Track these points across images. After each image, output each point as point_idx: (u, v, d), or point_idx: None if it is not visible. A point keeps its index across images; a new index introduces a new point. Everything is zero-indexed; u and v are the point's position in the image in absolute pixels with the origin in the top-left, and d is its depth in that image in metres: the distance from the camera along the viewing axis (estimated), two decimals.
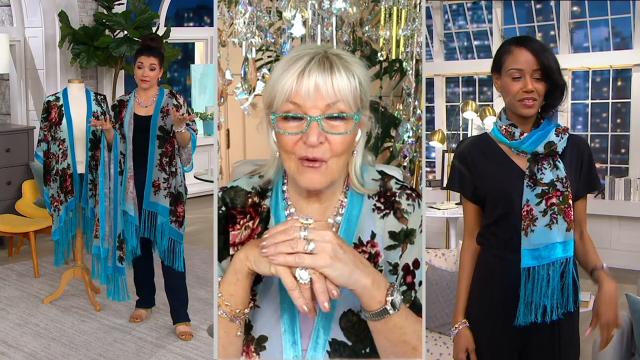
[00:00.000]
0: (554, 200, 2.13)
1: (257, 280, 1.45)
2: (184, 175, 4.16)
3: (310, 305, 1.25)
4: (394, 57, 2.86)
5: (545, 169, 2.15)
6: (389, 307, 1.29)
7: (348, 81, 1.36)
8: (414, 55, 2.81)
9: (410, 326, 1.33)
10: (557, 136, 2.16)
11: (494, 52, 6.69)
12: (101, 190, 4.06)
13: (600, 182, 2.29)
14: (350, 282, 1.26)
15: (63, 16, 6.42)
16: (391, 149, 3.73)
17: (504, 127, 2.21)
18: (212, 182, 4.99)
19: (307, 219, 1.26)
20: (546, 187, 2.14)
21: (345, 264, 1.25)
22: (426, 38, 6.72)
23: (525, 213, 2.15)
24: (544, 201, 2.14)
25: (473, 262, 2.32)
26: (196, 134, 4.06)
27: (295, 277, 1.24)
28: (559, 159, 2.16)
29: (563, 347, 2.23)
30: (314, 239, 1.24)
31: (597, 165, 2.40)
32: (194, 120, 4.07)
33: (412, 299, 1.44)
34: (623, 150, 6.34)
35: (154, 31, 6.66)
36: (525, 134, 2.18)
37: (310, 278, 1.24)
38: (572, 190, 2.15)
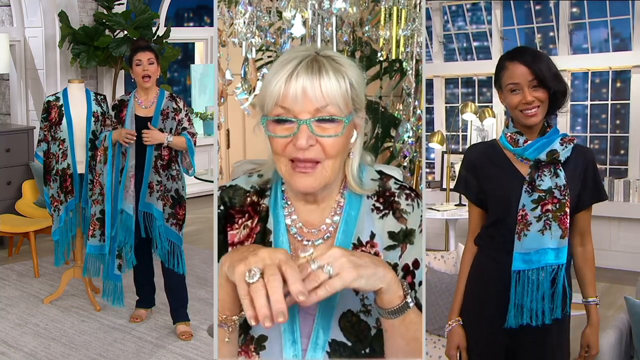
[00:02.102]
0: (549, 206, 2.18)
1: None
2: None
3: (265, 311, 1.13)
4: (394, 57, 2.87)
5: (545, 176, 2.19)
6: (409, 299, 1.30)
7: (337, 84, 1.35)
8: (414, 56, 2.81)
9: (421, 322, 1.34)
10: (562, 145, 2.20)
11: (493, 54, 6.73)
12: (107, 190, 4.03)
13: (605, 193, 2.35)
14: (377, 281, 1.25)
15: (63, 16, 6.42)
16: (391, 149, 3.73)
17: (509, 134, 2.26)
18: (212, 182, 4.99)
19: (306, 254, 1.23)
20: (543, 194, 2.18)
21: (367, 267, 1.24)
22: (425, 39, 6.72)
23: (520, 217, 2.20)
24: (539, 207, 2.18)
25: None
26: (194, 137, 4.05)
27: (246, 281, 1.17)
28: (560, 167, 2.20)
29: (551, 351, 2.27)
30: (327, 262, 1.21)
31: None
32: (191, 123, 4.07)
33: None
34: (622, 152, 6.35)
35: (154, 31, 6.69)
36: (529, 142, 2.22)
37: (261, 274, 1.16)
38: (571, 198, 2.19)
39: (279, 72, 1.36)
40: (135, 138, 3.96)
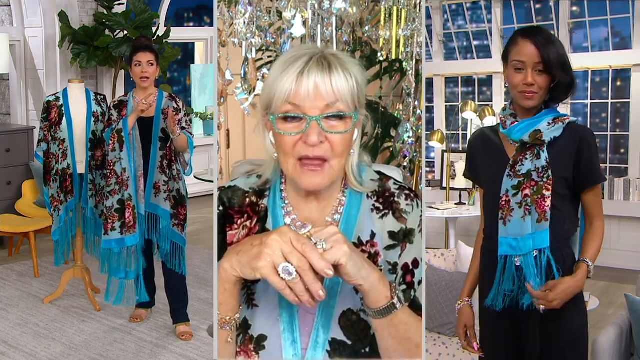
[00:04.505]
0: (527, 191, 2.14)
1: (256, 279, 1.45)
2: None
3: (306, 297, 1.22)
4: (394, 57, 2.86)
5: (526, 159, 2.16)
6: (396, 301, 1.30)
7: (346, 80, 1.37)
8: (414, 56, 2.81)
9: (414, 323, 1.34)
10: (549, 125, 2.14)
11: (493, 52, 6.74)
12: (133, 174, 3.95)
13: (601, 175, 2.19)
14: (361, 275, 1.26)
15: (63, 16, 6.42)
16: (391, 149, 3.72)
17: (501, 117, 2.24)
18: (212, 182, 4.99)
19: (304, 228, 1.27)
20: (522, 178, 2.15)
21: (358, 255, 1.27)
22: (426, 38, 6.72)
23: (503, 203, 2.17)
24: (520, 193, 2.15)
25: None
26: (193, 137, 4.05)
27: (281, 277, 1.22)
28: (544, 149, 2.14)
29: (553, 336, 2.21)
30: (323, 238, 1.24)
31: None
32: (190, 124, 4.07)
33: (412, 298, 1.44)
34: (622, 150, 6.35)
35: (154, 31, 6.68)
36: (515, 123, 2.18)
37: (297, 272, 1.22)
38: (554, 180, 2.12)
39: (288, 69, 1.36)
40: (148, 106, 3.95)
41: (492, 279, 2.25)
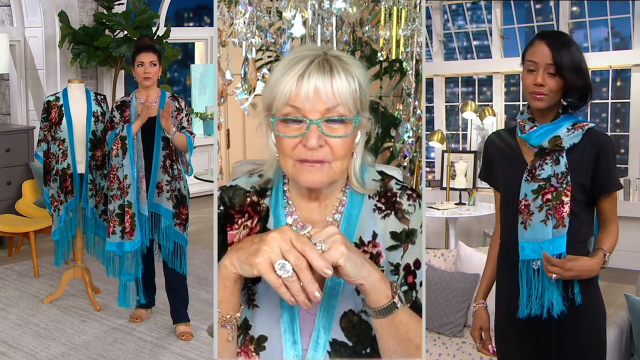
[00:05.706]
0: (549, 196, 2.14)
1: (256, 280, 1.45)
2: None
3: (302, 297, 1.22)
4: (394, 57, 2.86)
5: (547, 164, 2.15)
6: (396, 300, 1.30)
7: (347, 84, 1.36)
8: (414, 55, 2.81)
9: (414, 323, 1.34)
10: (568, 131, 2.14)
11: (493, 53, 6.74)
12: (134, 181, 3.96)
13: (618, 182, 2.20)
14: (362, 274, 1.26)
15: (63, 16, 6.42)
16: (391, 149, 3.72)
17: (519, 120, 2.23)
18: (212, 182, 4.99)
19: (305, 229, 1.27)
20: (543, 183, 2.14)
21: (357, 255, 1.26)
22: (426, 38, 6.73)
23: (523, 207, 2.17)
24: (540, 196, 2.14)
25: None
26: (193, 137, 4.05)
27: (278, 274, 1.22)
28: (563, 155, 2.14)
29: (569, 337, 2.19)
30: (322, 238, 1.24)
31: None
32: (190, 123, 4.07)
33: (413, 299, 1.44)
34: (622, 151, 6.35)
35: (154, 31, 6.68)
36: (534, 128, 2.18)
37: (294, 270, 1.21)
38: (572, 186, 2.13)
39: (289, 71, 1.35)
40: (148, 107, 3.95)
41: (507, 284, 2.24)
